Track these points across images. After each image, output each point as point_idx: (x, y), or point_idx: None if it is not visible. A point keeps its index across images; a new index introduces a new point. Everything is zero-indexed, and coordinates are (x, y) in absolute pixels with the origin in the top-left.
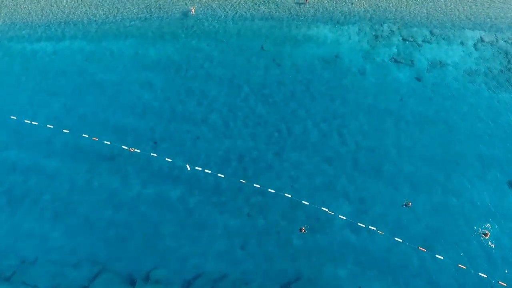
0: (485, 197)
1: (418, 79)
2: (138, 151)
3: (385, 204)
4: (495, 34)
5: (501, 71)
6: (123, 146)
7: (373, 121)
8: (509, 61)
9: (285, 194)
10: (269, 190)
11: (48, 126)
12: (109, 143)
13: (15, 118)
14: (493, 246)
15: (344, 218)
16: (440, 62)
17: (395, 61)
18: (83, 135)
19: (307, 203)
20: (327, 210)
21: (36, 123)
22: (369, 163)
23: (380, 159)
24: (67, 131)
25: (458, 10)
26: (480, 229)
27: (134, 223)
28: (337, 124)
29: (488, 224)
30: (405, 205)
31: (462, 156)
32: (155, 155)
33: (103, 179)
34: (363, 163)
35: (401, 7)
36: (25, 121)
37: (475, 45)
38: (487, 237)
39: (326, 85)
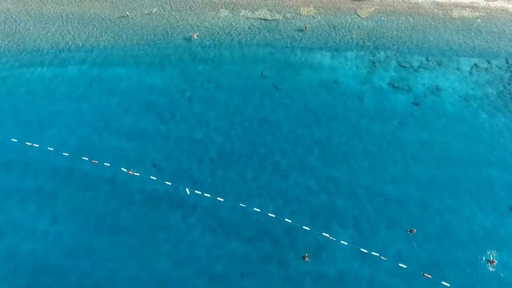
0: (489, 223)
1: (416, 103)
2: (138, 174)
3: (389, 230)
4: (488, 61)
5: (498, 96)
6: (122, 169)
7: (372, 145)
8: (504, 86)
9: (286, 219)
10: (269, 214)
11: (48, 148)
12: (108, 165)
13: (15, 140)
14: (501, 276)
15: (346, 243)
16: (437, 87)
17: (393, 86)
18: (83, 157)
19: (308, 229)
20: (328, 235)
21: (37, 145)
22: (370, 187)
23: (381, 183)
24: (67, 154)
25: (451, 38)
26: (485, 256)
27: (134, 244)
28: (337, 148)
29: (494, 252)
30: (410, 231)
31: (464, 181)
32: (155, 178)
33: (102, 202)
34: (364, 188)
35: (397, 35)
36: (26, 143)
37: (470, 71)
38: (494, 264)
39: (325, 110)
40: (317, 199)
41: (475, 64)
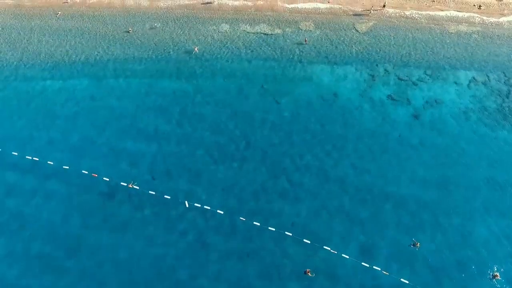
0: (492, 237)
1: (415, 116)
2: (137, 187)
3: (391, 244)
4: (486, 75)
5: (497, 109)
6: (122, 183)
7: (372, 158)
8: (503, 100)
9: (286, 232)
10: (269, 228)
11: (48, 162)
12: (108, 179)
13: (16, 154)
14: None
15: (347, 257)
16: (436, 100)
17: (392, 99)
18: (83, 171)
19: (308, 242)
20: (329, 249)
21: (37, 159)
22: (372, 201)
23: (383, 196)
24: (67, 167)
25: (449, 52)
26: (489, 271)
27: (133, 263)
28: (336, 161)
29: (497, 266)
30: (413, 245)
31: (466, 193)
32: (154, 193)
33: (102, 216)
34: (365, 201)
35: (395, 49)
36: (27, 157)
37: (468, 85)
38: (497, 278)
39: (325, 123)
40: (317, 211)
41: (473, 78)
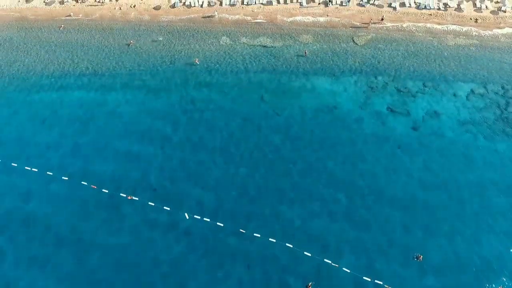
0: (496, 251)
1: (415, 128)
2: (137, 198)
3: (393, 257)
4: (484, 87)
5: (495, 120)
6: (121, 194)
7: (373, 169)
8: (501, 111)
9: (287, 244)
10: (270, 239)
11: (47, 173)
12: (107, 191)
13: (15, 165)
14: None
15: (349, 271)
16: (435, 112)
17: (391, 110)
18: (82, 182)
19: (309, 254)
20: (330, 262)
21: (36, 170)
22: (373, 212)
23: (384, 208)
24: (66, 178)
25: (447, 64)
26: (494, 285)
27: (132, 278)
28: (337, 173)
29: (504, 278)
30: (416, 258)
31: (468, 205)
32: (153, 204)
33: (101, 228)
34: (366, 213)
35: (393, 61)
36: (26, 167)
37: (467, 97)
38: None
39: (325, 134)
40: (318, 224)
41: (472, 90)
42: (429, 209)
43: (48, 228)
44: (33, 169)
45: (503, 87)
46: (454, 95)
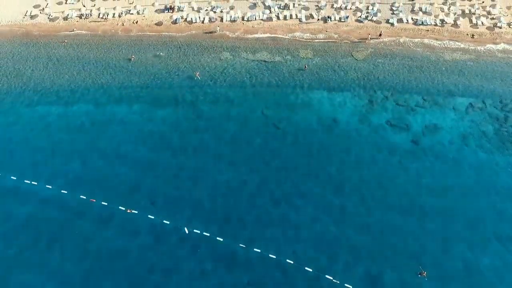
0: (500, 268)
1: (415, 142)
2: (136, 212)
3: (396, 272)
4: (483, 101)
5: (495, 134)
6: (120, 207)
7: (373, 183)
8: (500, 125)
9: (287, 260)
10: (270, 255)
11: (47, 186)
12: (106, 204)
13: (15, 178)
14: None
15: (350, 287)
16: (435, 126)
17: (391, 124)
18: (81, 196)
19: (310, 270)
20: (331, 278)
21: (36, 183)
22: (374, 227)
23: (386, 222)
24: (65, 192)
25: (445, 78)
26: None
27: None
28: (338, 187)
29: None
30: (420, 274)
31: (469, 218)
32: (152, 217)
33: (100, 243)
34: (367, 227)
35: (392, 76)
36: (25, 181)
37: (466, 110)
38: None
39: (325, 148)
40: (319, 238)
41: (470, 104)
42: (430, 224)
43: (49, 242)
44: (32, 183)
45: (501, 101)
46: (453, 109)
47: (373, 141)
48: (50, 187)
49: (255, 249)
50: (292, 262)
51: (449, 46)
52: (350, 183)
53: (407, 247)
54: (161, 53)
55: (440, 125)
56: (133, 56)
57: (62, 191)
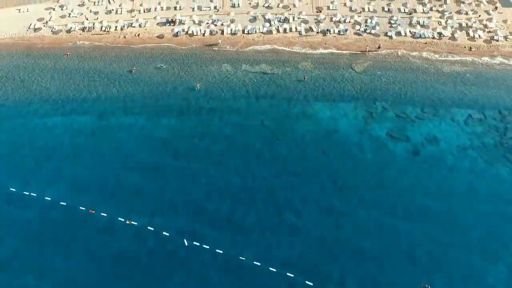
0: (503, 281)
1: (415, 153)
2: (135, 223)
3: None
4: (482, 112)
5: (495, 146)
6: (119, 218)
7: (374, 194)
8: (500, 137)
9: (287, 274)
10: (270, 268)
11: (46, 198)
12: (105, 215)
13: (14, 190)
14: None
15: None
16: (435, 137)
17: (391, 136)
18: (80, 207)
19: (311, 284)
20: None
21: (35, 195)
22: (375, 240)
23: (386, 235)
24: (64, 204)
25: (444, 90)
26: None
27: None
28: (339, 197)
29: None
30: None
31: (471, 231)
32: (152, 228)
33: (98, 253)
34: (369, 242)
35: (392, 88)
36: (24, 192)
37: (465, 122)
38: None
39: (325, 159)
40: (320, 250)
41: (470, 115)
42: (432, 234)
43: (48, 253)
44: (31, 194)
45: (500, 113)
46: (453, 120)
47: (373, 152)
48: (49, 198)
49: (255, 262)
50: (292, 275)
51: (447, 58)
52: (351, 194)
53: (412, 261)
54: (162, 65)
55: (440, 136)
56: (134, 68)
57: (61, 202)
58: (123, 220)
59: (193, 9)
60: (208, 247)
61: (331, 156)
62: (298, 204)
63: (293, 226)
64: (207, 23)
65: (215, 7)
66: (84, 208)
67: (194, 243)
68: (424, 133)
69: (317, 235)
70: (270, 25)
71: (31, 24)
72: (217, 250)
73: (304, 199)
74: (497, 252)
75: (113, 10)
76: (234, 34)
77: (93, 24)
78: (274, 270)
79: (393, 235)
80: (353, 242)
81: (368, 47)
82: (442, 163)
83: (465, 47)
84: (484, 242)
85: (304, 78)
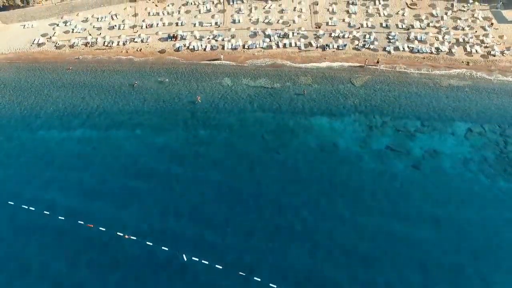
0: None
1: (416, 167)
2: (134, 238)
3: None
4: (482, 126)
5: (496, 159)
6: (118, 233)
7: (375, 209)
8: (501, 150)
9: None
10: (271, 285)
11: (44, 212)
12: (104, 229)
13: (12, 203)
14: None
15: None
16: (435, 151)
17: (391, 149)
18: (79, 221)
19: None
20: None
21: (33, 209)
22: (376, 255)
23: (388, 250)
24: (62, 218)
25: (443, 104)
26: None
27: None
28: (339, 212)
29: None
30: None
31: (473, 246)
32: (151, 244)
33: (96, 268)
34: (369, 258)
35: (391, 101)
36: (22, 206)
37: (465, 136)
38: None
39: (325, 173)
40: (320, 269)
41: (469, 129)
42: (433, 248)
43: (44, 268)
44: (30, 208)
45: (499, 126)
46: (453, 134)
47: (373, 166)
48: (48, 213)
49: (255, 278)
50: None
51: (445, 72)
52: (351, 209)
53: (412, 278)
54: (163, 79)
55: (440, 150)
56: (136, 82)
57: (60, 217)
58: (121, 234)
59: (194, 24)
60: (207, 262)
61: (331, 169)
62: (298, 219)
63: (293, 242)
64: (208, 38)
65: (216, 23)
66: (82, 222)
67: (193, 258)
68: (425, 146)
69: (317, 252)
70: (270, 40)
71: (35, 39)
72: (216, 266)
73: (304, 214)
74: (500, 271)
75: (116, 26)
76: (235, 49)
77: (96, 39)
78: (275, 286)
79: (393, 247)
80: (351, 260)
81: (367, 62)
82: (444, 177)
83: (462, 61)
84: (484, 259)
85: (304, 92)
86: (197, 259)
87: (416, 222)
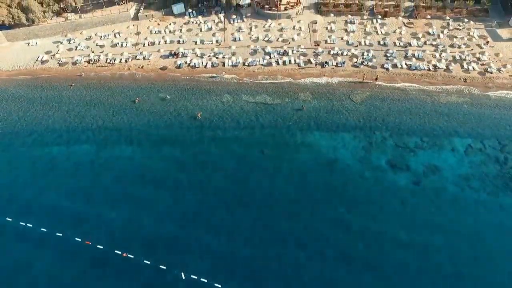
0: None
1: (416, 183)
2: (132, 256)
3: None
4: (481, 142)
5: (497, 175)
6: (116, 251)
7: (375, 225)
8: (501, 166)
9: None
10: None
11: (42, 229)
12: (102, 247)
13: (10, 219)
14: None
15: None
16: (435, 167)
17: (391, 165)
18: (76, 238)
19: None
20: None
21: (31, 225)
22: (376, 272)
23: (389, 267)
24: (60, 235)
25: (442, 120)
26: None
27: None
28: (340, 228)
29: None
30: None
31: (475, 262)
32: (149, 262)
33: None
34: (370, 273)
35: (391, 118)
36: (20, 223)
37: (465, 152)
38: None
39: (325, 189)
40: (320, 282)
41: (469, 145)
42: (434, 266)
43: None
44: (27, 225)
45: (499, 142)
46: (453, 150)
47: (374, 182)
48: (45, 230)
49: None
50: None
51: (443, 89)
52: (353, 224)
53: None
54: (164, 96)
55: (441, 166)
56: (138, 99)
57: (57, 233)
58: (119, 252)
59: (195, 42)
60: (206, 280)
61: (331, 185)
62: (298, 235)
63: (293, 258)
64: (209, 55)
65: (217, 41)
66: (79, 239)
67: (192, 276)
68: (425, 162)
69: (316, 270)
70: (270, 58)
71: (38, 57)
72: (215, 285)
73: (305, 230)
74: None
75: (118, 43)
76: (235, 66)
77: (99, 57)
78: None
79: (393, 265)
80: (352, 274)
81: (365, 78)
82: (444, 193)
83: (460, 78)
84: (491, 274)
85: (303, 108)
86: (195, 277)
87: (416, 240)
